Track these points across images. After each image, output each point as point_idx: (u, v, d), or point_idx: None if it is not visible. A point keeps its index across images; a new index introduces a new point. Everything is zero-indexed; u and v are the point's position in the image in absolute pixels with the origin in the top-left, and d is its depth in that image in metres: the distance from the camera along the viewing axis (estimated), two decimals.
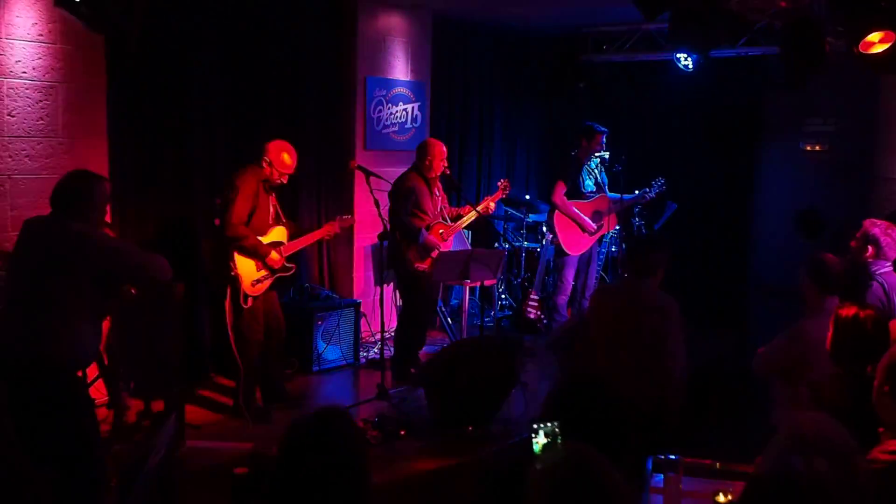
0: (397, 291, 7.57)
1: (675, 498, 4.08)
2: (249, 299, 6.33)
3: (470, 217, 7.59)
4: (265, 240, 6.39)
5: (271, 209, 6.48)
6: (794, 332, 4.93)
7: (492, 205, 7.73)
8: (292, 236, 6.64)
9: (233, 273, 6.25)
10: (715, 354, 8.68)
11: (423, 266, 7.16)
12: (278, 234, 6.52)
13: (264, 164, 6.35)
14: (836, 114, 9.84)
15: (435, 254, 7.17)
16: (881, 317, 4.12)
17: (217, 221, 6.43)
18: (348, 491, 2.54)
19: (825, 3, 6.65)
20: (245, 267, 6.29)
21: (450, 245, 7.47)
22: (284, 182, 6.50)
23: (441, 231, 7.36)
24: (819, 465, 2.12)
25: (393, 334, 7.71)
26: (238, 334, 6.39)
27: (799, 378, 4.85)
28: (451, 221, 7.53)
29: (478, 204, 7.72)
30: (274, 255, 6.38)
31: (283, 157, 6.36)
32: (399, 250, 7.24)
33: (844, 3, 6.55)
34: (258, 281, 6.35)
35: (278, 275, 6.51)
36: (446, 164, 7.42)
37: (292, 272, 6.73)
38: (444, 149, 7.41)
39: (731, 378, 7.62)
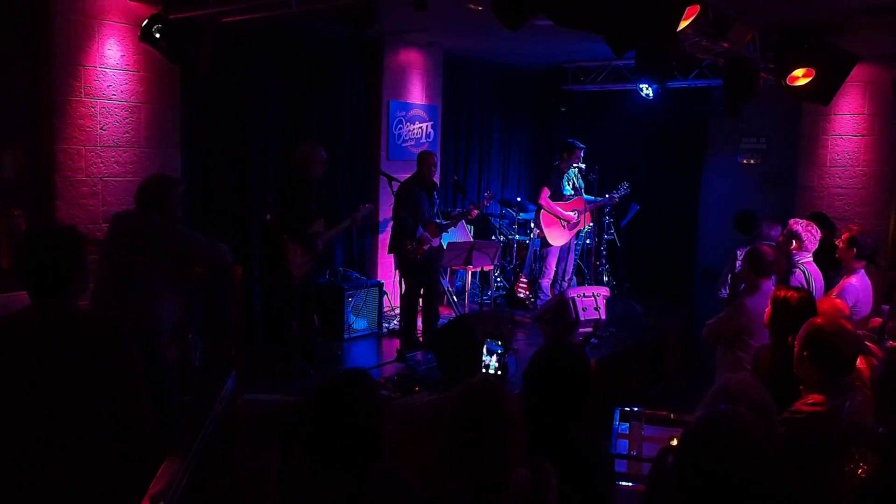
0: (400, 276, 7.44)
1: (638, 442, 4.07)
2: (295, 279, 6.32)
3: (456, 220, 7.55)
4: (309, 231, 6.37)
5: (311, 205, 6.46)
6: (735, 307, 4.92)
7: (475, 212, 7.69)
8: (328, 226, 6.61)
9: (284, 259, 6.24)
10: (669, 326, 8.64)
11: (417, 256, 7.09)
12: (318, 225, 6.50)
13: (300, 167, 6.30)
14: (767, 134, 9.79)
15: (427, 246, 7.14)
16: (809, 297, 4.09)
17: (268, 217, 6.41)
18: (365, 434, 2.52)
19: (759, 45, 6.60)
20: (293, 253, 6.27)
21: (438, 241, 7.38)
22: (320, 175, 6.42)
23: (433, 228, 7.31)
24: (742, 410, 2.15)
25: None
26: (286, 307, 6.36)
27: (738, 345, 4.84)
28: (444, 221, 7.48)
29: (466, 211, 7.70)
30: (317, 242, 6.36)
31: (311, 153, 6.30)
32: (399, 242, 7.19)
33: (774, 44, 6.51)
34: (303, 265, 6.34)
35: (318, 259, 6.49)
36: (435, 172, 7.43)
37: (327, 256, 6.73)
38: (436, 158, 7.45)
39: (683, 345, 7.58)
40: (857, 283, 5.38)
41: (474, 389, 2.42)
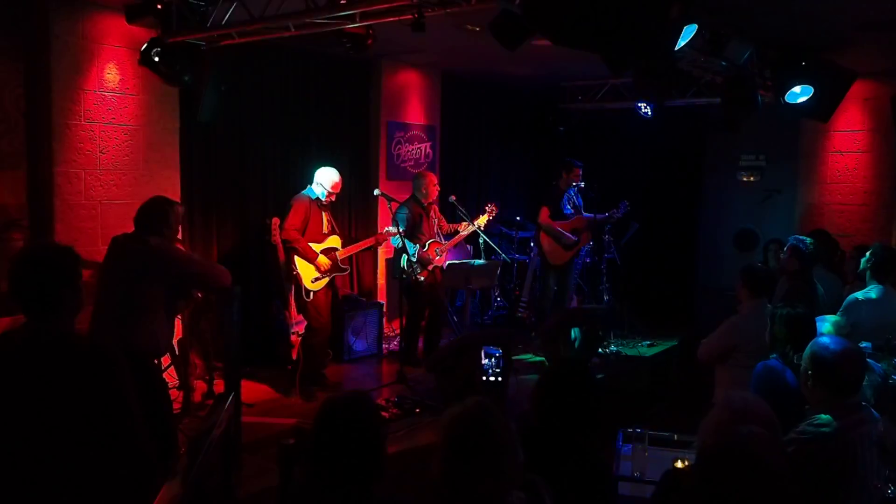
0: (403, 297, 7.37)
1: (642, 464, 4.02)
2: (311, 294, 6.33)
3: (460, 236, 7.48)
4: (321, 246, 6.40)
5: (325, 223, 6.49)
6: (728, 325, 4.88)
7: (478, 222, 7.50)
8: (345, 244, 6.65)
9: (294, 273, 6.28)
10: (670, 344, 8.59)
11: (421, 277, 7.06)
12: (333, 241, 6.54)
13: (315, 186, 6.37)
14: (766, 151, 9.79)
15: (430, 267, 7.11)
16: (809, 315, 4.06)
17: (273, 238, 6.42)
18: (367, 455, 2.49)
19: (757, 62, 6.61)
20: (304, 267, 6.28)
21: (444, 260, 7.34)
22: (333, 200, 6.51)
23: (437, 249, 7.27)
24: (757, 430, 2.13)
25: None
26: (306, 323, 6.39)
27: (733, 363, 4.80)
28: (446, 240, 7.43)
29: (467, 224, 7.53)
30: (322, 258, 6.35)
31: (330, 179, 6.41)
32: (400, 264, 7.16)
33: (772, 62, 6.52)
34: (317, 279, 6.36)
35: (333, 274, 6.49)
36: (438, 192, 7.38)
37: (347, 272, 6.89)
38: (435, 178, 7.40)
39: (685, 365, 7.52)
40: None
41: (466, 412, 2.37)
